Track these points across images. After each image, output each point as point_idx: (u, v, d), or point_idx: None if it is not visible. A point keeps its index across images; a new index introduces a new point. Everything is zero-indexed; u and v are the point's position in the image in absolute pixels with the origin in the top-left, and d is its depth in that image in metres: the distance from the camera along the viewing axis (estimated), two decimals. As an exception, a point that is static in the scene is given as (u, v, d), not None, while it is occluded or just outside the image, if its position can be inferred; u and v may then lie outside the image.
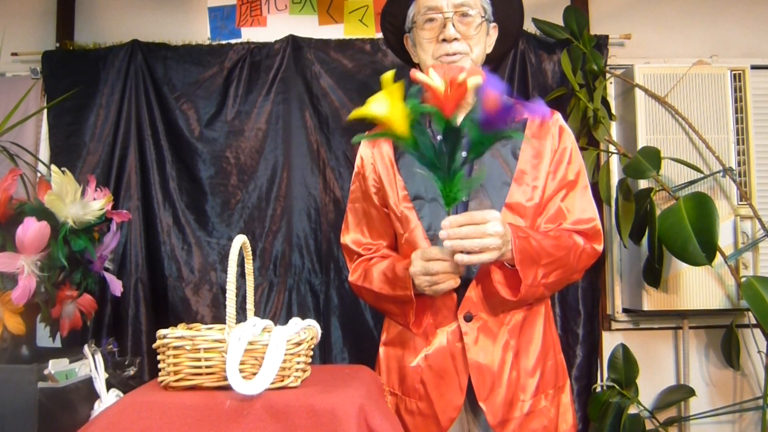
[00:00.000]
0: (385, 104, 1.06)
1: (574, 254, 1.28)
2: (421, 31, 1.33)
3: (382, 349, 1.41)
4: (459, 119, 1.10)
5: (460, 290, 1.26)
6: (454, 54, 1.30)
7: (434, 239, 1.26)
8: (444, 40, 1.29)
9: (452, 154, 1.08)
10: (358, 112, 1.07)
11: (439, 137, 1.30)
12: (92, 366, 1.20)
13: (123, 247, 2.04)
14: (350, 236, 1.44)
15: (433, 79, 1.06)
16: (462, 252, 1.13)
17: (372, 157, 1.41)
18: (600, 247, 1.35)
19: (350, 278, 1.42)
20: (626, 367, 2.05)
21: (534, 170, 1.30)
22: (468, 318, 1.26)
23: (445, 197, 1.11)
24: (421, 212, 1.30)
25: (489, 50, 1.39)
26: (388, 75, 1.09)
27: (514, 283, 1.21)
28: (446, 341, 1.28)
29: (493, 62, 1.57)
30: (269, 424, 0.89)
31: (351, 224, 1.44)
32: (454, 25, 1.29)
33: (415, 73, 1.09)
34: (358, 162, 1.44)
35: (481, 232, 1.12)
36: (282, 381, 0.97)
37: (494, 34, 1.40)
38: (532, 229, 1.29)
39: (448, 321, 1.28)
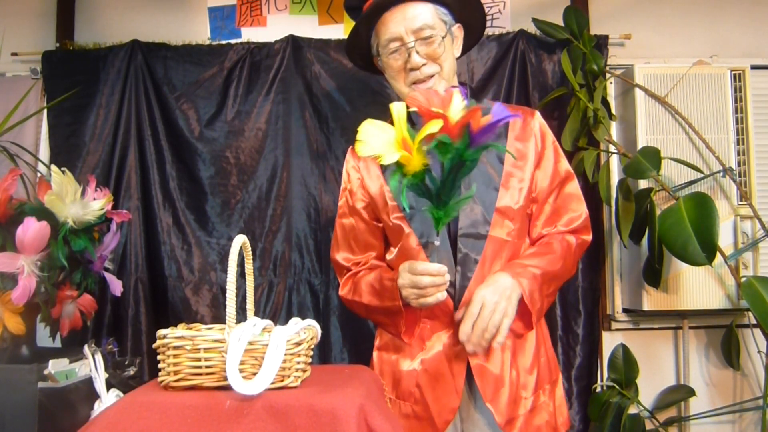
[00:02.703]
0: (395, 144, 1.02)
1: (569, 256, 1.33)
2: (388, 63, 1.35)
3: (375, 354, 1.41)
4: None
5: (457, 295, 1.27)
6: (426, 78, 1.31)
7: (427, 246, 1.29)
8: (412, 69, 1.30)
9: (454, 183, 1.07)
10: (370, 153, 1.01)
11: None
12: (92, 366, 1.20)
13: (123, 247, 2.04)
14: (340, 253, 1.45)
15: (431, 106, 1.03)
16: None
17: (359, 172, 1.41)
18: (589, 237, 1.39)
19: (340, 292, 1.43)
20: (626, 367, 2.05)
21: (519, 171, 1.32)
22: None
23: (436, 221, 1.10)
24: (413, 221, 1.31)
25: (458, 54, 1.40)
26: (398, 108, 1.05)
27: (520, 309, 1.24)
28: (443, 345, 1.29)
29: (462, 54, 1.59)
30: (269, 424, 0.89)
31: (340, 241, 1.46)
32: (417, 52, 1.30)
33: (416, 98, 1.04)
34: (345, 177, 1.45)
35: (487, 314, 1.17)
36: (282, 381, 0.97)
37: (460, 34, 1.41)
38: (526, 249, 1.34)
39: (445, 326, 1.30)
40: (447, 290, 1.26)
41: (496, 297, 1.19)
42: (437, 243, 1.17)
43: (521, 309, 1.23)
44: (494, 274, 1.25)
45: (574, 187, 1.38)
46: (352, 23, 1.43)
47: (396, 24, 1.30)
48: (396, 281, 1.24)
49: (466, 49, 1.52)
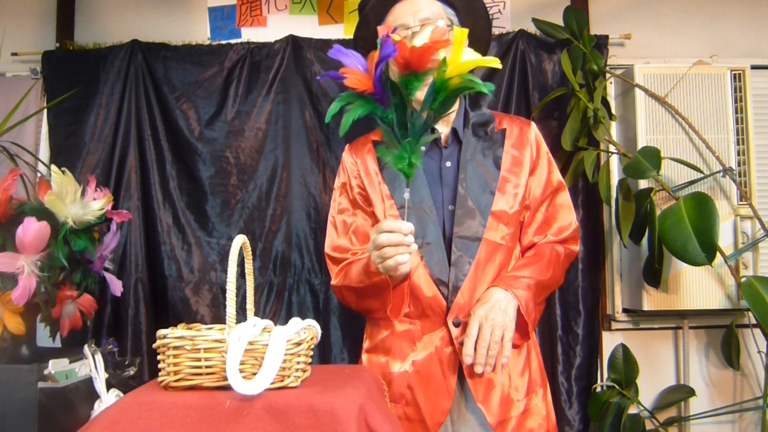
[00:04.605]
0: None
1: (558, 266, 1.35)
2: None
3: (364, 356, 1.41)
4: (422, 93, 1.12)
5: (450, 296, 1.28)
6: None
7: (421, 247, 1.28)
8: None
9: (400, 110, 1.08)
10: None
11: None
12: (92, 366, 1.20)
13: (123, 247, 2.04)
14: (338, 246, 1.43)
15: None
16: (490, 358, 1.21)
17: (357, 167, 1.42)
18: (577, 248, 1.44)
19: (333, 282, 1.41)
20: (626, 367, 2.05)
21: (515, 178, 1.35)
22: (457, 323, 1.27)
23: (401, 161, 1.08)
24: (408, 221, 1.30)
25: None
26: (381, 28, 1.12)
27: (517, 320, 1.26)
28: (435, 347, 1.29)
29: None
30: (269, 424, 0.89)
31: (339, 234, 1.43)
32: None
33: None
34: (342, 173, 1.45)
35: (487, 332, 1.19)
36: (282, 381, 0.97)
37: None
38: (517, 254, 1.37)
39: (437, 326, 1.30)
40: (440, 290, 1.27)
41: (492, 313, 1.20)
42: (406, 197, 1.10)
43: (518, 320, 1.24)
44: (487, 290, 1.26)
45: (566, 198, 1.42)
46: (353, 23, 1.43)
47: (405, 13, 1.35)
48: None
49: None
